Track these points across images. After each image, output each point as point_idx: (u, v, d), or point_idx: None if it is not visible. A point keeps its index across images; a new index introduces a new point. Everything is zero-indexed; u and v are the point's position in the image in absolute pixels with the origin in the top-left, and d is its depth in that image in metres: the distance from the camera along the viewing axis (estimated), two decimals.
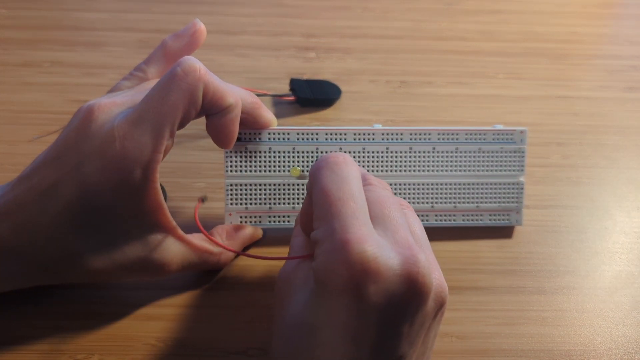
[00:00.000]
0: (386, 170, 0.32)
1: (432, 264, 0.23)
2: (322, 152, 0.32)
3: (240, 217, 0.32)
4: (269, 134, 0.31)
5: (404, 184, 0.32)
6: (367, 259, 0.20)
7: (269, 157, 0.31)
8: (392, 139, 0.32)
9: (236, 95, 0.27)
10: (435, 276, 0.22)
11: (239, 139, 0.31)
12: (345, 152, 0.32)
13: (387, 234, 0.22)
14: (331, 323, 0.21)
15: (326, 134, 0.32)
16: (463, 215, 0.33)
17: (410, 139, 0.32)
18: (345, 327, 0.21)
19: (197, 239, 0.29)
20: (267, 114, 0.30)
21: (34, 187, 0.25)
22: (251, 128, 0.31)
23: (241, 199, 0.31)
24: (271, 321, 0.26)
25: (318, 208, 0.22)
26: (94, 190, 0.25)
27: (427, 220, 0.33)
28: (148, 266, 0.27)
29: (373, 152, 0.32)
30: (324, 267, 0.21)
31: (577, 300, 0.31)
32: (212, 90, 0.26)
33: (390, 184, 0.32)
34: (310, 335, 0.21)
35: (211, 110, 0.27)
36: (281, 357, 0.22)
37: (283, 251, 0.32)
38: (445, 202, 0.33)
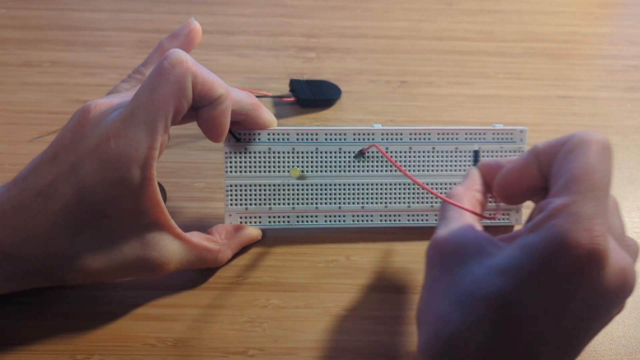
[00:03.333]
0: (386, 170, 0.32)
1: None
2: (322, 153, 0.32)
3: (240, 217, 0.32)
4: (269, 134, 0.31)
5: (404, 184, 0.32)
6: (604, 250, 0.19)
7: (269, 157, 0.31)
8: (391, 139, 0.32)
9: (226, 86, 0.27)
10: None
11: (238, 140, 0.31)
12: (345, 152, 0.32)
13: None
14: (533, 299, 0.19)
15: (326, 134, 0.32)
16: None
17: (410, 139, 0.32)
18: (550, 306, 0.19)
19: (195, 237, 0.29)
20: (267, 114, 0.30)
21: (30, 187, 0.25)
22: (251, 128, 0.31)
23: (241, 200, 0.31)
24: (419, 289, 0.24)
25: (572, 181, 0.20)
26: (90, 190, 0.25)
27: (426, 220, 0.33)
28: (146, 265, 0.27)
29: (373, 152, 0.32)
30: (556, 245, 0.19)
31: None
32: (201, 81, 0.26)
33: (390, 184, 0.32)
34: (502, 306, 0.20)
35: (202, 102, 0.26)
36: (463, 327, 0.20)
37: (284, 251, 0.32)
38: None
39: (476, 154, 0.32)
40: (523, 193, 0.24)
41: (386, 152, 0.32)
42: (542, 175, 0.23)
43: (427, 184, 0.32)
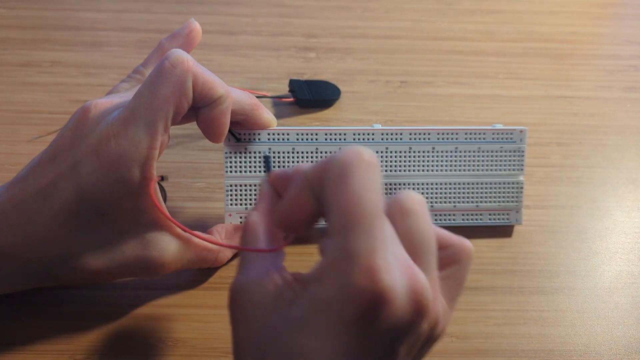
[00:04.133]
0: (386, 170, 0.32)
1: (433, 282, 0.21)
2: (321, 153, 0.32)
3: (240, 217, 0.32)
4: (269, 134, 0.31)
5: (404, 184, 0.32)
6: (388, 289, 0.18)
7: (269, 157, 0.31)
8: (391, 139, 0.32)
9: (226, 86, 0.27)
10: (434, 297, 0.21)
11: (238, 140, 0.31)
12: None
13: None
14: (332, 352, 0.19)
15: (326, 134, 0.32)
16: (463, 215, 0.33)
17: (410, 139, 0.32)
18: (348, 356, 0.19)
19: (194, 236, 0.29)
20: (267, 114, 0.30)
21: (30, 187, 0.25)
22: (251, 128, 0.31)
23: (241, 200, 0.31)
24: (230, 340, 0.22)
25: (340, 216, 0.19)
26: (90, 189, 0.25)
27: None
28: (146, 264, 0.27)
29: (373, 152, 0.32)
30: (340, 294, 0.19)
31: (577, 300, 0.31)
32: (201, 82, 0.26)
33: (390, 184, 0.32)
34: None
35: (202, 102, 0.26)
36: None
37: (285, 251, 0.32)
38: (445, 202, 0.33)
39: (267, 160, 0.30)
40: (305, 223, 0.22)
41: (386, 151, 0.32)
42: (319, 202, 0.21)
43: (427, 184, 0.32)
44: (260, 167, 0.31)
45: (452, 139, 0.32)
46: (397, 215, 0.21)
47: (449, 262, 0.22)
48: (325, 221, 0.21)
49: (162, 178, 0.31)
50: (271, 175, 0.24)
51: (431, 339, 0.21)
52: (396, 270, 0.19)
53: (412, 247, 0.21)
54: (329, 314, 0.19)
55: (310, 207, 0.21)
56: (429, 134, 0.32)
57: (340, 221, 0.19)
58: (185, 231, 0.27)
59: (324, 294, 0.19)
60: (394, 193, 0.31)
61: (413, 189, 0.32)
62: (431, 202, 0.33)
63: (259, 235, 0.23)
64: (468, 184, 0.33)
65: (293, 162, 0.31)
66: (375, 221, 0.19)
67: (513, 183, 0.33)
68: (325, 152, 0.32)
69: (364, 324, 0.19)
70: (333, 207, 0.19)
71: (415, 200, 0.21)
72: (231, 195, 0.31)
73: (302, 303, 0.20)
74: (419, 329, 0.20)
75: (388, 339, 0.19)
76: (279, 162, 0.31)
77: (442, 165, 0.32)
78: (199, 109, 0.27)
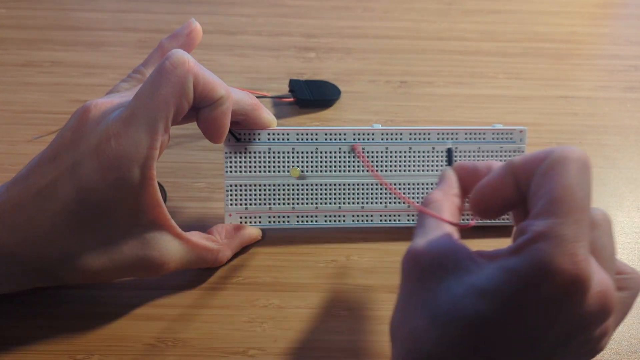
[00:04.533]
0: (386, 170, 0.32)
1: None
2: (321, 153, 0.32)
3: (240, 217, 0.32)
4: (269, 134, 0.31)
5: (404, 184, 0.32)
6: (588, 277, 0.19)
7: (269, 157, 0.31)
8: (391, 139, 0.32)
9: (227, 87, 0.27)
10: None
11: (238, 140, 0.31)
12: (344, 152, 0.32)
13: None
14: (514, 322, 0.19)
15: (326, 134, 0.32)
16: (463, 215, 0.33)
17: (410, 139, 0.32)
18: (530, 332, 0.19)
19: (194, 236, 0.29)
20: (267, 114, 0.30)
21: (29, 187, 0.25)
22: (251, 128, 0.31)
23: (241, 200, 0.31)
24: (392, 303, 0.23)
25: (554, 200, 0.20)
26: (90, 189, 0.25)
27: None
28: (146, 264, 0.27)
29: (372, 152, 0.32)
30: (538, 270, 0.19)
31: None
32: (202, 82, 0.26)
33: (390, 184, 0.32)
34: (480, 329, 0.19)
35: (203, 103, 0.26)
36: (440, 347, 0.20)
37: (284, 251, 0.32)
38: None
39: (450, 153, 0.32)
40: (498, 209, 0.23)
41: (386, 151, 0.32)
42: (519, 192, 0.22)
43: (427, 184, 0.32)
44: (260, 166, 0.31)
45: (452, 139, 0.32)
46: (591, 224, 0.21)
47: (621, 287, 0.23)
48: (517, 210, 0.22)
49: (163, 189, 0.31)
50: (457, 164, 0.26)
51: (595, 346, 0.22)
52: (593, 265, 0.20)
53: (598, 257, 0.21)
54: (521, 286, 0.19)
55: (508, 195, 0.22)
56: (429, 134, 0.32)
57: (552, 206, 0.20)
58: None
59: (520, 266, 0.19)
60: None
61: (413, 188, 0.32)
62: None
63: (441, 208, 0.24)
64: None
65: (293, 162, 0.31)
66: (584, 217, 0.20)
67: None
68: (325, 152, 0.32)
69: (556, 303, 0.19)
70: (542, 194, 0.20)
71: (605, 217, 0.23)
72: (231, 195, 0.31)
73: (488, 272, 0.20)
74: (595, 329, 0.20)
75: (570, 327, 0.20)
76: (279, 161, 0.31)
77: (442, 165, 0.32)
78: (200, 109, 0.27)
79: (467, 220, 0.31)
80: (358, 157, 0.31)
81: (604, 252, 0.22)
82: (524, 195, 0.22)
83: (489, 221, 0.33)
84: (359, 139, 0.32)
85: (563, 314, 0.19)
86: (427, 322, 0.20)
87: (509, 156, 0.33)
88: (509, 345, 0.19)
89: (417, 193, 0.32)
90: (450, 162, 0.32)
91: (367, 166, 0.29)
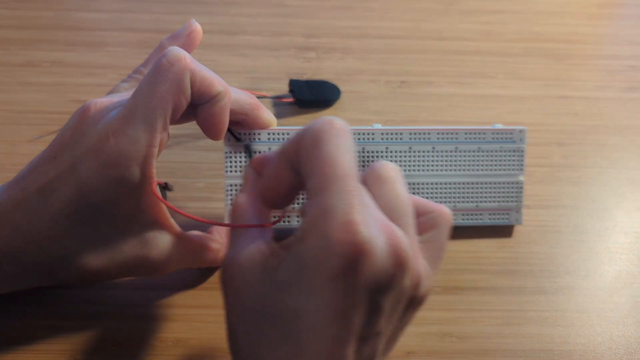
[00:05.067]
0: None
1: (412, 242, 0.22)
2: None
3: None
4: (269, 134, 0.31)
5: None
6: (365, 241, 0.19)
7: None
8: (391, 139, 0.32)
9: (225, 83, 0.27)
10: (414, 255, 0.21)
11: (238, 140, 0.31)
12: None
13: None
14: (319, 307, 0.19)
15: None
16: (463, 215, 0.33)
17: (410, 139, 0.32)
18: (335, 309, 0.19)
19: (195, 236, 0.29)
20: (267, 114, 0.30)
21: (29, 187, 0.25)
22: (251, 128, 0.31)
23: None
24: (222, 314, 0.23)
25: (317, 178, 0.20)
26: (90, 189, 0.25)
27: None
28: (146, 264, 0.27)
29: (373, 152, 0.32)
30: (321, 249, 0.19)
31: (577, 300, 0.31)
32: (199, 78, 0.26)
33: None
34: (293, 321, 0.20)
35: (201, 99, 0.26)
36: (255, 349, 0.21)
37: None
38: (445, 202, 0.33)
39: (247, 148, 0.31)
40: (285, 197, 0.23)
41: (386, 151, 0.32)
42: (297, 174, 0.22)
43: (427, 184, 0.32)
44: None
45: (452, 139, 0.32)
46: (373, 182, 0.22)
47: (429, 226, 0.23)
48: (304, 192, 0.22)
49: (166, 185, 0.31)
50: (252, 160, 0.25)
51: (415, 299, 0.22)
52: (374, 226, 0.20)
53: (389, 210, 0.21)
54: (312, 270, 0.20)
55: (289, 179, 0.23)
56: (429, 134, 0.32)
57: (317, 183, 0.20)
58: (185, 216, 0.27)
59: (305, 252, 0.20)
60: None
61: (413, 188, 0.32)
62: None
63: (246, 213, 0.24)
64: (468, 183, 0.33)
65: None
66: (350, 181, 0.20)
67: (513, 183, 0.33)
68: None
69: (345, 277, 0.19)
70: (309, 172, 0.21)
71: (390, 168, 0.23)
72: (231, 195, 0.31)
73: (287, 265, 0.20)
74: (402, 284, 0.20)
75: (371, 292, 0.20)
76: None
77: (442, 165, 0.32)
78: (198, 106, 0.27)
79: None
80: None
81: (393, 203, 0.22)
82: (300, 178, 0.22)
83: (488, 221, 0.33)
84: (359, 139, 0.32)
85: (360, 282, 0.19)
86: (247, 331, 0.21)
87: (509, 156, 0.33)
88: (325, 327, 0.19)
89: (417, 192, 0.32)
90: (250, 156, 0.31)
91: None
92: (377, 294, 0.20)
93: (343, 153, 0.20)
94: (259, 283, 0.21)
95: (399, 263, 0.20)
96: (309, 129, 0.21)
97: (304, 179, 0.21)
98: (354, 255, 0.19)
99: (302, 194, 0.24)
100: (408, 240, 0.21)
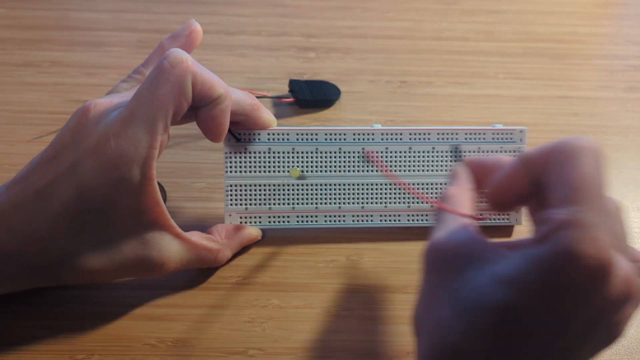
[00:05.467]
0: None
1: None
2: (322, 153, 0.32)
3: (240, 217, 0.32)
4: (269, 134, 0.31)
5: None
6: (613, 262, 0.19)
7: (269, 157, 0.31)
8: (391, 139, 0.32)
9: (226, 86, 0.27)
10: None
11: (238, 140, 0.31)
12: (344, 152, 0.32)
13: None
14: (540, 310, 0.19)
15: (326, 134, 0.32)
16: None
17: (410, 139, 0.32)
18: (556, 319, 0.19)
19: (195, 236, 0.29)
20: (267, 114, 0.30)
21: (29, 187, 0.25)
22: (251, 129, 0.31)
23: (241, 200, 0.31)
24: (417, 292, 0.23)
25: (570, 191, 0.20)
26: (90, 189, 0.25)
27: (426, 220, 0.33)
28: (146, 264, 0.27)
29: (373, 153, 0.32)
30: (563, 257, 0.19)
31: None
32: (200, 81, 0.26)
33: (390, 184, 0.32)
34: (509, 319, 0.19)
35: (202, 102, 0.26)
36: (467, 338, 0.20)
37: (284, 251, 0.32)
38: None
39: (457, 150, 0.32)
40: (513, 201, 0.24)
41: (386, 151, 0.32)
42: (532, 183, 0.23)
43: (427, 184, 0.32)
44: (260, 166, 0.31)
45: (452, 139, 0.32)
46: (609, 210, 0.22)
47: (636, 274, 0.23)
48: (534, 202, 0.23)
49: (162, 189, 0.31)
50: (467, 160, 0.27)
51: (617, 332, 0.22)
52: (615, 251, 0.20)
53: (617, 240, 0.21)
54: (546, 274, 0.19)
55: (522, 187, 0.23)
56: (429, 134, 0.32)
57: (570, 195, 0.20)
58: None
59: (543, 254, 0.19)
60: (397, 193, 0.31)
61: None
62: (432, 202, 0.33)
63: (459, 202, 0.24)
64: None
65: (293, 162, 0.31)
66: (602, 204, 0.20)
67: None
68: (325, 152, 0.32)
69: (582, 290, 0.19)
70: (561, 183, 0.20)
71: (617, 205, 0.23)
72: (231, 195, 0.31)
73: (512, 262, 0.20)
74: (617, 315, 0.20)
75: (592, 315, 0.20)
76: (279, 162, 0.31)
77: (442, 165, 0.32)
78: (199, 108, 0.27)
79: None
80: (373, 163, 0.31)
81: (618, 239, 0.22)
82: (537, 187, 0.22)
83: (488, 221, 0.33)
84: (359, 139, 0.32)
85: (589, 299, 0.19)
86: (452, 313, 0.20)
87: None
88: (536, 333, 0.19)
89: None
90: (459, 157, 0.32)
91: (384, 170, 0.29)
92: (599, 317, 0.20)
93: (600, 172, 0.21)
94: (474, 270, 0.21)
95: (627, 294, 0.20)
96: (567, 142, 0.21)
97: (547, 190, 0.21)
98: (598, 272, 0.19)
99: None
100: (636, 275, 0.21)
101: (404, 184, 0.28)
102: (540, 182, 0.22)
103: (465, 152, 0.33)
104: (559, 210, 0.20)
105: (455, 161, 0.32)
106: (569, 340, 0.20)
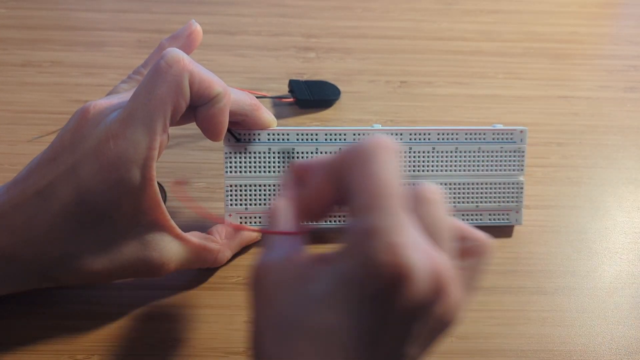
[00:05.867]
0: None
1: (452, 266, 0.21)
2: (321, 153, 0.32)
3: (240, 217, 0.32)
4: (269, 134, 0.31)
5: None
6: (409, 265, 0.19)
7: (269, 157, 0.31)
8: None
9: (224, 84, 0.27)
10: (454, 282, 0.21)
11: (238, 140, 0.31)
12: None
13: None
14: (352, 326, 0.19)
15: (325, 135, 0.32)
16: (463, 215, 0.33)
17: (410, 139, 0.32)
18: (368, 331, 0.19)
19: (194, 236, 0.29)
20: (267, 114, 0.30)
21: (29, 188, 0.25)
22: (251, 129, 0.31)
23: (241, 200, 0.31)
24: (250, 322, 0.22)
25: (363, 197, 0.20)
26: (90, 191, 0.25)
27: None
28: (146, 265, 0.27)
29: None
30: (362, 269, 0.19)
31: (577, 300, 0.31)
32: (198, 80, 0.26)
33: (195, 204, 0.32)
34: (325, 337, 0.19)
35: (200, 101, 0.26)
36: (285, 357, 0.20)
37: None
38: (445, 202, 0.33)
39: (287, 155, 0.31)
40: (323, 211, 0.23)
41: None
42: (339, 189, 0.22)
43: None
44: (260, 166, 0.31)
45: (452, 139, 0.32)
46: (416, 204, 0.21)
47: (468, 253, 0.23)
48: (344, 208, 0.22)
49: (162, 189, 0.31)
50: (293, 165, 0.25)
51: (444, 324, 0.21)
52: (417, 249, 0.19)
53: (431, 233, 0.21)
54: (350, 289, 0.19)
55: (330, 194, 0.22)
56: (429, 134, 0.32)
57: (363, 201, 0.20)
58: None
59: (345, 269, 0.19)
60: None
61: None
62: None
63: (283, 219, 0.23)
64: (468, 184, 0.33)
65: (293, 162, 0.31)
66: (397, 202, 0.20)
67: (513, 183, 0.33)
68: (325, 152, 0.32)
69: (384, 299, 0.19)
70: (355, 189, 0.20)
71: (433, 190, 0.22)
72: (231, 195, 0.31)
73: (324, 280, 0.20)
74: (436, 311, 0.20)
75: (405, 317, 0.20)
76: (278, 162, 0.31)
77: (442, 165, 0.32)
78: (197, 107, 0.27)
79: None
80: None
81: (436, 226, 0.21)
82: (342, 194, 0.22)
83: (488, 221, 0.33)
84: (358, 139, 0.32)
85: (396, 306, 0.19)
86: (273, 340, 0.20)
87: (510, 156, 0.33)
88: (355, 346, 0.19)
89: None
90: (287, 163, 0.31)
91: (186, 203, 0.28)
92: (412, 319, 0.20)
93: (390, 172, 0.20)
94: (293, 292, 0.20)
95: (438, 289, 0.20)
96: (356, 146, 0.21)
97: (348, 196, 0.21)
98: (396, 279, 0.19)
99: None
100: (449, 266, 0.20)
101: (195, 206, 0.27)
102: (342, 189, 0.21)
103: (458, 155, 0.32)
104: (355, 220, 0.20)
105: (285, 165, 0.31)
106: (389, 347, 0.20)
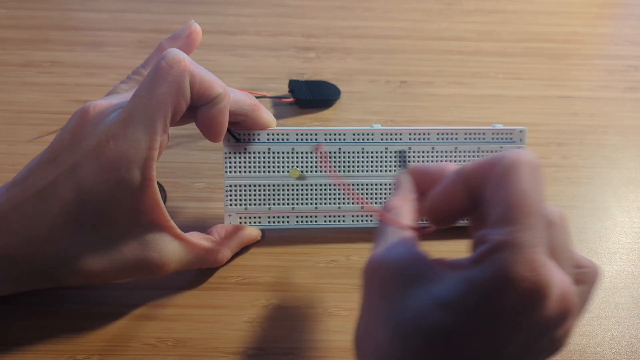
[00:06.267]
0: (385, 170, 0.32)
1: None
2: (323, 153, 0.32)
3: (240, 217, 0.32)
4: (269, 134, 0.31)
5: None
6: (548, 283, 0.19)
7: (269, 157, 0.31)
8: (391, 139, 0.32)
9: (224, 85, 0.27)
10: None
11: (238, 140, 0.31)
12: (344, 152, 0.32)
13: None
14: (475, 333, 0.19)
15: (325, 135, 0.32)
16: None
17: (410, 139, 0.32)
18: (493, 341, 0.19)
19: (194, 237, 0.29)
20: (266, 114, 0.30)
21: (29, 188, 0.25)
22: (251, 129, 0.31)
23: (241, 200, 0.31)
24: (357, 311, 0.22)
25: (506, 209, 0.20)
26: (90, 191, 0.25)
27: (425, 220, 0.33)
28: (146, 265, 0.27)
29: (372, 152, 0.32)
30: (499, 280, 0.19)
31: None
32: (198, 80, 0.26)
33: (390, 184, 0.32)
34: (445, 343, 0.19)
35: (200, 101, 0.26)
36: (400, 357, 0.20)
37: (284, 251, 0.32)
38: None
39: (402, 155, 0.31)
40: (453, 216, 0.23)
41: (385, 151, 0.32)
42: (471, 199, 0.22)
43: None
44: (260, 167, 0.31)
45: (451, 139, 0.32)
46: (549, 224, 0.21)
47: (580, 280, 0.23)
48: (474, 217, 0.22)
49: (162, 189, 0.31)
50: (411, 168, 0.25)
51: (558, 346, 0.21)
52: (553, 269, 0.19)
53: (556, 256, 0.21)
54: (481, 296, 0.19)
55: (462, 201, 0.22)
56: (428, 134, 0.32)
57: (507, 214, 0.20)
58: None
59: (482, 277, 0.19)
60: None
61: None
62: None
63: (401, 214, 0.23)
64: None
65: (292, 162, 0.31)
66: (540, 219, 0.20)
67: None
68: (325, 152, 0.32)
69: (517, 312, 0.19)
70: (498, 201, 0.20)
71: (563, 217, 0.22)
72: (231, 195, 0.31)
73: (450, 283, 0.20)
74: (558, 332, 0.20)
75: (531, 333, 0.20)
76: (279, 162, 0.31)
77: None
78: (197, 108, 0.27)
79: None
80: (319, 160, 0.30)
81: (561, 250, 0.21)
82: (477, 202, 0.22)
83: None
84: (358, 139, 0.32)
85: (525, 322, 0.19)
86: (389, 335, 0.20)
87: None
88: (473, 356, 0.19)
89: None
90: (404, 165, 0.32)
91: (328, 170, 0.28)
92: (536, 337, 0.20)
93: (536, 190, 0.20)
94: (415, 290, 0.20)
95: (565, 312, 0.20)
96: (502, 157, 0.21)
97: (485, 207, 0.21)
98: (534, 294, 0.19)
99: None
100: (575, 291, 0.20)
101: (348, 188, 0.27)
102: (478, 198, 0.21)
103: (459, 155, 0.33)
104: (495, 231, 0.20)
105: (400, 168, 0.32)
106: (507, 358, 0.20)
